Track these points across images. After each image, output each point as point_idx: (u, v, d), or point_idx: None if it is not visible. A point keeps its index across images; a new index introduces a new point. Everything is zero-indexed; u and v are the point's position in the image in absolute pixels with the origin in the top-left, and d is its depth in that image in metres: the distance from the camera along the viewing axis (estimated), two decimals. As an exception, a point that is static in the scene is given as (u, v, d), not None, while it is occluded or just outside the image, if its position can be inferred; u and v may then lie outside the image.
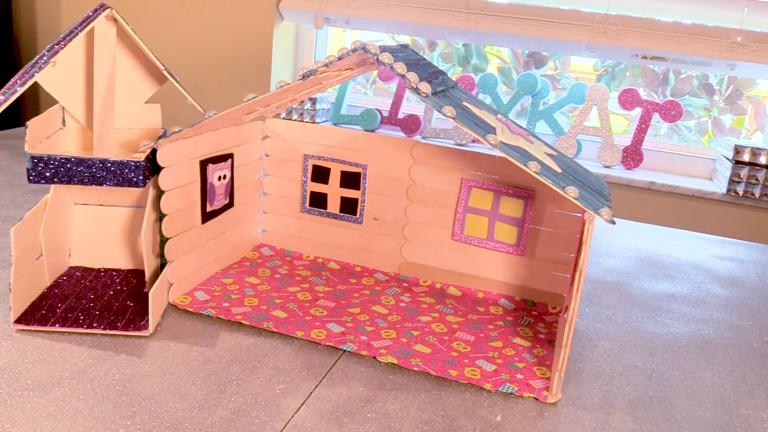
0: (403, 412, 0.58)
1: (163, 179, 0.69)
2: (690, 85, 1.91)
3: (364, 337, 0.69)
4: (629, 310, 0.86)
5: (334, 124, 1.98)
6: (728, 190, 1.65)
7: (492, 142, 0.61)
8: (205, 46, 2.03)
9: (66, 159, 0.67)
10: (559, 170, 0.64)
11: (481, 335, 0.73)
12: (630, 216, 1.71)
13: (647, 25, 1.67)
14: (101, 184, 0.68)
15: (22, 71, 0.68)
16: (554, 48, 1.84)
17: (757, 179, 1.63)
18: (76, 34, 0.69)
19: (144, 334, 0.66)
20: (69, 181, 0.68)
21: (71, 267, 0.78)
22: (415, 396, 0.61)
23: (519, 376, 0.65)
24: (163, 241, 0.71)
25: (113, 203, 0.78)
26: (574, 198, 0.59)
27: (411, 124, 1.95)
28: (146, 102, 0.77)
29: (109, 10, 0.69)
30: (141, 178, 0.69)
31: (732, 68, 1.66)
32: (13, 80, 0.67)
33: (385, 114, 1.97)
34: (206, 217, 0.77)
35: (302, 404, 0.58)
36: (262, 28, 1.97)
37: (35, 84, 0.67)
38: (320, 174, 0.87)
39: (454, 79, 1.92)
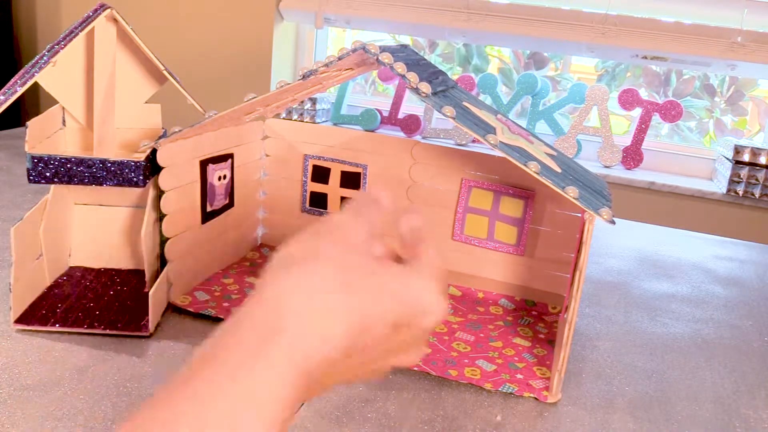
0: (403, 412, 0.58)
1: (163, 179, 0.69)
2: (692, 87, 1.91)
3: (364, 337, 0.69)
4: (629, 310, 0.86)
5: (334, 124, 1.97)
6: (728, 190, 1.65)
7: (492, 142, 0.61)
8: (205, 46, 2.03)
9: (66, 159, 0.67)
10: (559, 170, 0.64)
11: (481, 335, 0.73)
12: (630, 216, 1.71)
13: (648, 25, 1.67)
14: (101, 184, 0.68)
15: (22, 71, 0.68)
16: (555, 48, 1.84)
17: (757, 179, 1.62)
18: (77, 34, 0.69)
19: (144, 334, 0.66)
20: (69, 181, 0.68)
21: (71, 267, 0.78)
22: (415, 396, 0.61)
23: (519, 376, 0.65)
24: (163, 241, 0.71)
25: (113, 203, 0.78)
26: (574, 198, 0.59)
27: (411, 124, 1.95)
28: (146, 102, 0.77)
29: (109, 10, 0.69)
30: (141, 178, 0.69)
31: (732, 68, 1.66)
32: (13, 80, 0.67)
33: (385, 114, 1.97)
34: (206, 217, 0.77)
35: (302, 404, 0.58)
36: (262, 28, 1.97)
37: (35, 84, 0.67)
38: (320, 174, 0.87)
39: (454, 79, 1.92)
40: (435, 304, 0.36)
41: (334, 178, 0.87)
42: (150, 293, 0.66)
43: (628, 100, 1.79)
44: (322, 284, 0.33)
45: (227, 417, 0.29)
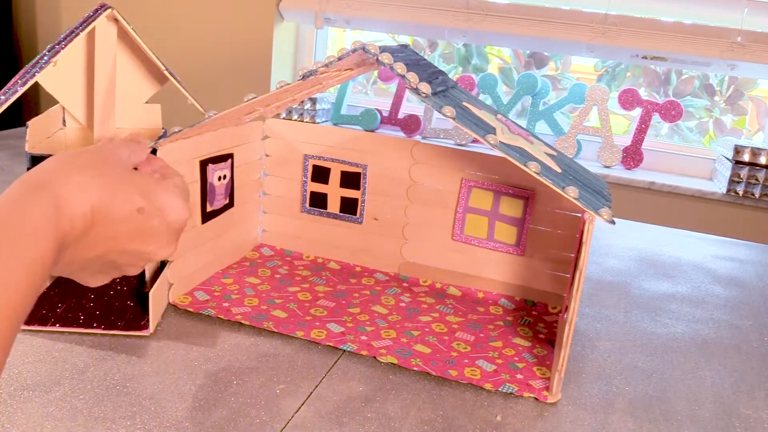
0: (403, 412, 0.58)
1: (164, 179, 0.69)
2: (691, 86, 1.91)
3: (364, 337, 0.69)
4: (629, 310, 0.86)
5: (334, 124, 1.98)
6: (728, 190, 1.65)
7: (492, 142, 0.61)
8: (206, 46, 2.03)
9: (66, 159, 0.67)
10: (559, 170, 0.64)
11: (481, 335, 0.73)
12: (630, 216, 1.71)
13: (647, 25, 1.67)
14: (101, 184, 0.68)
15: (22, 71, 0.68)
16: (554, 48, 1.84)
17: (757, 179, 1.63)
18: (77, 34, 0.69)
19: (144, 334, 0.66)
20: (69, 181, 0.68)
21: (71, 267, 0.78)
22: (415, 396, 0.61)
23: (519, 376, 0.65)
24: (163, 241, 0.71)
25: (113, 203, 0.78)
26: (574, 198, 0.59)
27: (411, 124, 1.95)
28: (147, 102, 0.77)
29: (109, 10, 0.69)
30: (141, 178, 0.69)
31: (732, 68, 1.66)
32: (13, 80, 0.67)
33: (385, 114, 1.97)
34: (206, 217, 0.77)
35: (302, 404, 0.58)
36: (262, 28, 1.97)
37: (36, 84, 0.67)
38: (320, 174, 0.87)
39: (454, 79, 1.92)
40: (177, 205, 0.45)
41: (334, 178, 0.87)
42: (150, 293, 0.66)
43: (628, 100, 1.79)
44: (80, 162, 0.41)
45: None
